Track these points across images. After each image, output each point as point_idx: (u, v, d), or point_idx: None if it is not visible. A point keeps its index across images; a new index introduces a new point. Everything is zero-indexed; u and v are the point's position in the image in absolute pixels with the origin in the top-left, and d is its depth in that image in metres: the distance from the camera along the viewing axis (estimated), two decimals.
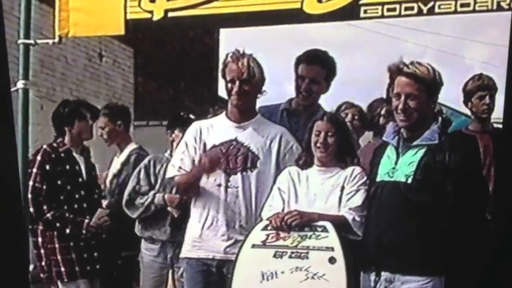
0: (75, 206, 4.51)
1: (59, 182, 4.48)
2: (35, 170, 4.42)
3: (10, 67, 1.89)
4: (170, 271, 4.56)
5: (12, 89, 3.89)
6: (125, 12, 4.16)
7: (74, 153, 4.61)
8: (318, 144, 3.47)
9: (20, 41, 4.35)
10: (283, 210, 3.45)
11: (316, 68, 3.96)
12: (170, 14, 4.08)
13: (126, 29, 4.22)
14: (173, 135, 4.66)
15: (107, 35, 8.04)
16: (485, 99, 4.29)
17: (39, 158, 4.45)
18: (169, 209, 4.49)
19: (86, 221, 4.50)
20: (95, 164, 4.89)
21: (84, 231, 4.48)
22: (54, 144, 4.59)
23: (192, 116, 4.69)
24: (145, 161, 4.72)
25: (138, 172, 4.68)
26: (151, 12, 4.12)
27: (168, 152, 4.69)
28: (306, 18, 3.90)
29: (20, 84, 4.29)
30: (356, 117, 4.53)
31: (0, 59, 1.75)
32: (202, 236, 3.68)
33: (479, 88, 4.30)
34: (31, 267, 4.25)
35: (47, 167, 4.46)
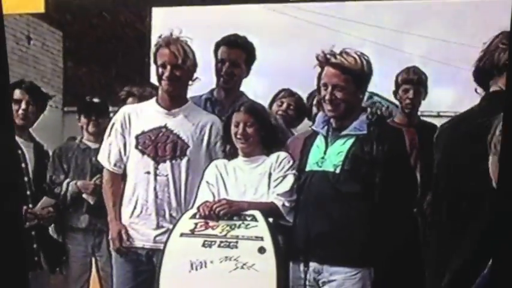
0: None
1: None
2: None
3: None
4: (93, 260, 4.46)
5: None
6: None
7: (17, 137, 4.12)
8: (238, 136, 3.45)
9: None
10: None
11: (237, 51, 3.98)
12: None
13: (46, 6, 4.04)
14: (80, 122, 4.56)
15: (26, 12, 7.77)
16: (408, 93, 4.33)
17: None
18: (84, 196, 4.36)
19: (24, 207, 4.11)
20: (49, 151, 4.52)
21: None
22: None
23: (95, 100, 4.55)
24: (57, 149, 4.57)
25: (52, 161, 4.52)
26: None
27: (79, 138, 4.57)
28: None
29: None
30: (291, 107, 4.46)
31: (0, 60, 1.68)
32: (132, 224, 3.64)
33: (405, 81, 4.34)
34: None
35: None
